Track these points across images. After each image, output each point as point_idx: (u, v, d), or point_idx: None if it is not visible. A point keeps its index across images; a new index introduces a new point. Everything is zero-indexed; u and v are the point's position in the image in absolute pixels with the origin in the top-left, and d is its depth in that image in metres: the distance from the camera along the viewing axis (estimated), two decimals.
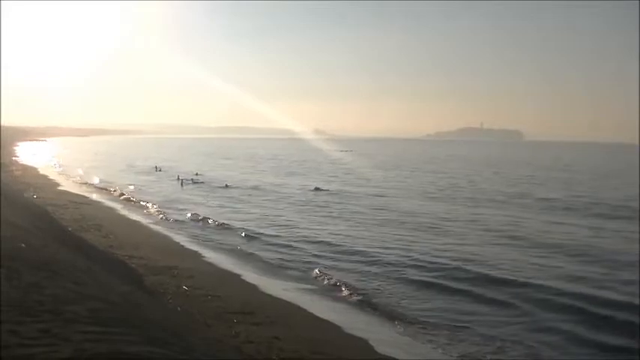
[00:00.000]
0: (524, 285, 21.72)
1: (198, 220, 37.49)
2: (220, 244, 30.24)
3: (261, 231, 33.67)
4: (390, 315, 18.94)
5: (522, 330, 17.52)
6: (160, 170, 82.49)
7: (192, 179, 67.32)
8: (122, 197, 49.78)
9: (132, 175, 75.91)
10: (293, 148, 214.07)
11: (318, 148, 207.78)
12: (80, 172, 75.04)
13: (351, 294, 21.17)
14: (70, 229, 25.06)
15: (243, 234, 32.64)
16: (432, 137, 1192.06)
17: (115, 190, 54.42)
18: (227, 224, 35.82)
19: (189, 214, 39.99)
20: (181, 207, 43.95)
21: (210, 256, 26.96)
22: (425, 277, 23.17)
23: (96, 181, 64.49)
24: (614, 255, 27.67)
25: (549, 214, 43.12)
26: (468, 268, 24.39)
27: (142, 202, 46.27)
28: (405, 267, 24.74)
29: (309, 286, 22.48)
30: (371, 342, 16.11)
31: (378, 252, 27.75)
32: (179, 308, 15.70)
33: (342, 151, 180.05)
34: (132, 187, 57.88)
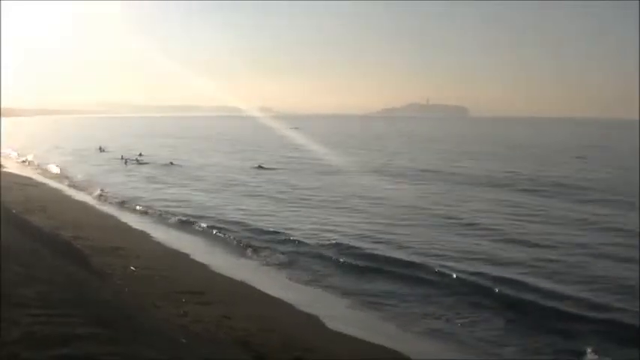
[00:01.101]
0: (444, 266, 21.61)
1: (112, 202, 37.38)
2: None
3: (192, 212, 33.16)
4: (339, 293, 19.18)
5: (467, 308, 17.83)
6: (104, 151, 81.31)
7: (136, 159, 66.56)
8: (50, 175, 49.81)
9: (71, 156, 74.14)
10: (240, 127, 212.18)
11: (266, 125, 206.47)
12: (20, 153, 73.58)
13: (297, 272, 21.46)
14: (14, 211, 24.69)
15: (158, 214, 32.75)
16: (379, 113, 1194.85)
17: (48, 171, 54.16)
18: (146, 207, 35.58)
19: (96, 193, 40.23)
20: (101, 187, 43.26)
21: (158, 236, 26.89)
22: (359, 259, 22.95)
23: (36, 162, 63.63)
24: (529, 235, 27.59)
25: (489, 191, 43.24)
26: (395, 249, 24.43)
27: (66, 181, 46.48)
28: (338, 248, 24.53)
29: (256, 265, 22.69)
30: (322, 318, 16.35)
31: (310, 233, 27.47)
32: (127, 289, 15.66)
33: (289, 128, 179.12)
34: (57, 169, 57.46)
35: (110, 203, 36.68)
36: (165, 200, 37.69)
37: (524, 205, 36.51)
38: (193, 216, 31.90)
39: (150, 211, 33.92)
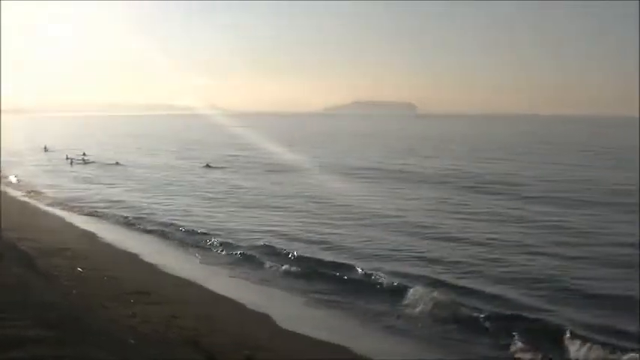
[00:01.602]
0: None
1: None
2: None
3: (136, 213, 32.87)
4: (288, 292, 19.24)
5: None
6: (48, 150, 79.81)
7: (82, 159, 65.67)
8: None
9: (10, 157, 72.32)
10: (191, 125, 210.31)
11: (216, 124, 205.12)
12: None
13: (245, 272, 21.51)
14: None
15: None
16: (327, 111, 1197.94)
17: None
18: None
19: (31, 193, 40.34)
20: (39, 187, 43.34)
21: (105, 236, 26.61)
22: (298, 259, 22.72)
23: None
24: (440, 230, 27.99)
25: (431, 188, 43.20)
26: (331, 250, 24.34)
27: None
28: (278, 249, 24.32)
29: (204, 264, 22.70)
30: (273, 317, 16.39)
31: (253, 234, 27.37)
32: (74, 290, 15.48)
33: (238, 127, 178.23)
34: None
35: (54, 204, 36.06)
36: (109, 201, 37.29)
37: (467, 203, 36.56)
38: (137, 217, 31.65)
39: (94, 211, 33.53)
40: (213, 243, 25.59)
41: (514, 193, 40.72)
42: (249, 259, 23.16)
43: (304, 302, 18.25)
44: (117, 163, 61.66)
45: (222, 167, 58.89)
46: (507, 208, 34.29)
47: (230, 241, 25.81)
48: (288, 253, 23.42)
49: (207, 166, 59.08)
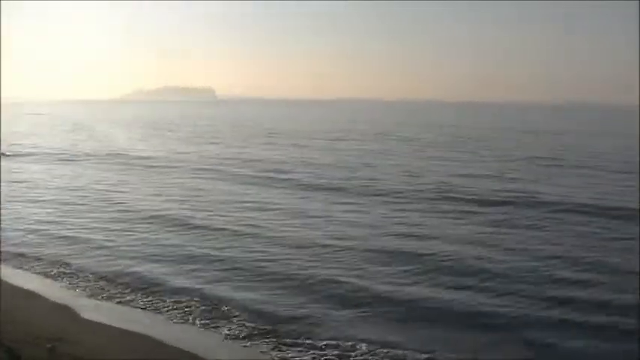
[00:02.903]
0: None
1: None
2: None
3: None
4: (96, 284, 18.78)
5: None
6: None
7: None
8: None
9: None
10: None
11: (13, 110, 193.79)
12: None
13: (39, 264, 20.99)
14: None
15: None
16: (131, 96, 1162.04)
17: None
18: None
19: None
20: None
21: None
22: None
23: None
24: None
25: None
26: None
27: None
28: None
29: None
30: (75, 309, 16.30)
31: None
32: None
33: (34, 114, 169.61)
34: None
35: None
36: None
37: (237, 192, 36.01)
38: None
39: None
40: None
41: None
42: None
43: (110, 294, 17.90)
44: None
45: (18, 156, 56.13)
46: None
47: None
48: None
49: (2, 154, 55.74)
